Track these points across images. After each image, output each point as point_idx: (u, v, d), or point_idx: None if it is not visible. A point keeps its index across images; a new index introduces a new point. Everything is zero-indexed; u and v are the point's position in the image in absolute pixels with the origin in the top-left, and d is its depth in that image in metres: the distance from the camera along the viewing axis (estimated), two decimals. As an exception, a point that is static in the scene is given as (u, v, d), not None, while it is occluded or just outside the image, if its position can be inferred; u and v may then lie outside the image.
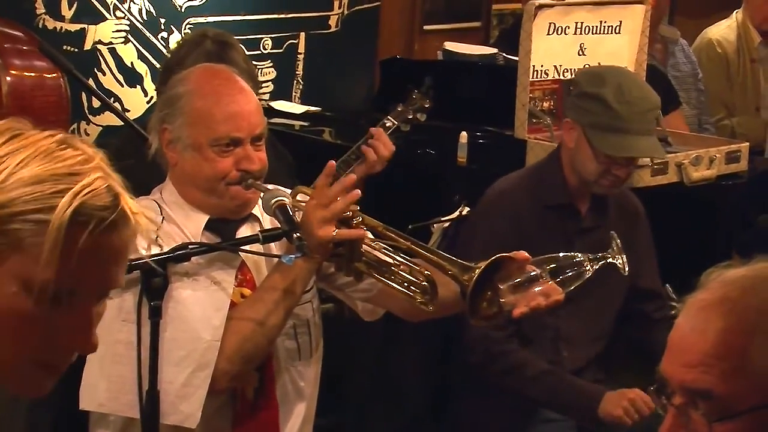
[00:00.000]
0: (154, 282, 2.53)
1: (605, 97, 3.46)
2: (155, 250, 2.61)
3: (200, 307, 2.67)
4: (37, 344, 1.48)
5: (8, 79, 3.62)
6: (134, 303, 2.56)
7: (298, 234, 2.56)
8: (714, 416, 1.62)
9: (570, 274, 2.63)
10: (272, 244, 2.79)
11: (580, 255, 2.65)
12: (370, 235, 2.69)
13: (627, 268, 2.79)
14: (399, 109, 3.95)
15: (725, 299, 1.66)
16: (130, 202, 1.48)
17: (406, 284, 2.69)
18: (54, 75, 3.74)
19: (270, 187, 2.73)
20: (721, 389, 1.61)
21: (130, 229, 1.48)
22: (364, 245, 2.68)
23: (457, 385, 3.71)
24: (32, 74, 3.73)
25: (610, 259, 2.73)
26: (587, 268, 2.64)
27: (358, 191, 2.66)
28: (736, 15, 6.01)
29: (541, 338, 3.55)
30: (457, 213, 4.02)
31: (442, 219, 4.01)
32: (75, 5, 4.59)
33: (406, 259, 2.67)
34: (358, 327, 3.19)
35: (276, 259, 2.74)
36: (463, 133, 4.41)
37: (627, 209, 3.70)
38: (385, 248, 2.69)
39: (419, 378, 4.01)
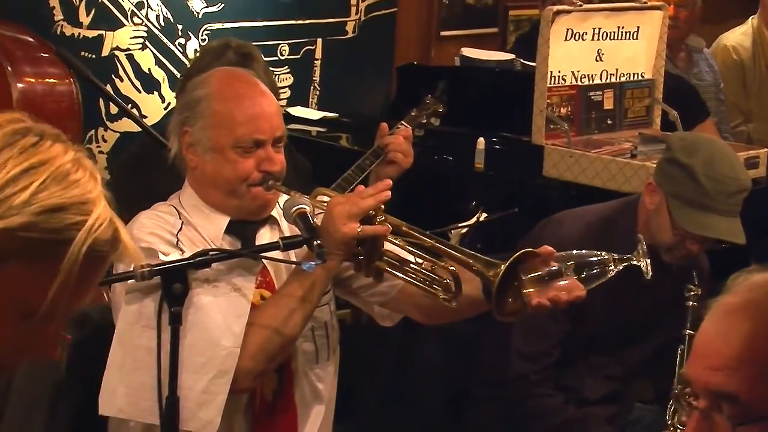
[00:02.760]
0: (175, 288, 2.53)
1: (694, 169, 3.30)
2: (176, 255, 2.62)
3: (220, 313, 2.67)
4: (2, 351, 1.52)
5: (19, 86, 3.63)
6: (155, 309, 2.56)
7: (318, 241, 2.56)
8: (738, 420, 1.61)
9: (593, 272, 2.61)
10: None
11: (604, 254, 2.63)
12: (393, 232, 2.69)
13: (650, 272, 2.75)
14: (413, 114, 3.94)
15: (751, 303, 1.65)
16: (123, 231, 1.53)
17: (428, 282, 2.70)
18: (65, 81, 3.75)
19: (291, 191, 2.74)
20: (745, 393, 1.60)
21: (120, 259, 1.55)
22: (385, 243, 2.69)
23: (476, 392, 3.71)
24: (43, 81, 3.74)
25: (634, 261, 2.69)
26: (610, 267, 2.63)
27: (389, 193, 2.68)
28: (752, 21, 6.01)
29: (567, 364, 3.52)
30: (474, 219, 4.01)
31: (460, 225, 4.00)
32: (93, 12, 4.60)
33: (428, 256, 2.67)
34: (376, 333, 3.19)
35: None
36: (481, 139, 4.41)
37: (690, 268, 3.50)
38: (406, 246, 2.69)
39: (437, 384, 4.00)
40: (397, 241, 2.70)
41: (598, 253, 2.63)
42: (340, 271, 2.81)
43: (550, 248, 2.58)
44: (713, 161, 3.32)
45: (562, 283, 2.58)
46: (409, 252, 2.71)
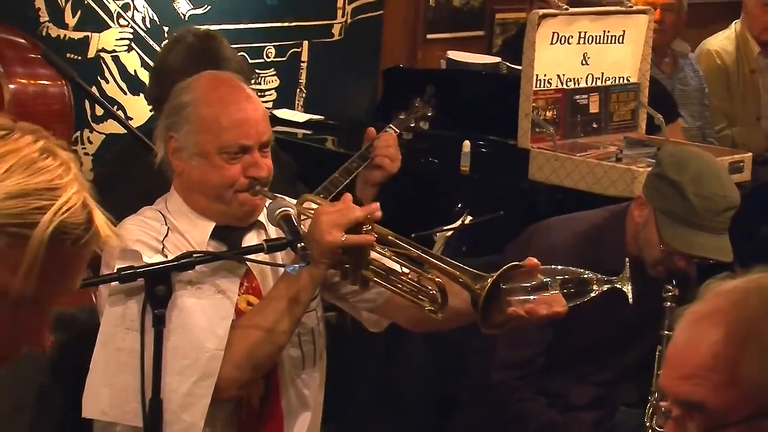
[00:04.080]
0: (158, 290, 2.53)
1: (683, 187, 3.28)
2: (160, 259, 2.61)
3: (204, 315, 2.67)
4: None
5: (11, 87, 3.62)
6: (138, 311, 2.56)
7: (302, 244, 2.56)
8: (707, 428, 1.64)
9: (575, 290, 2.60)
10: (278, 253, 2.80)
11: (588, 273, 2.62)
12: (380, 242, 2.69)
13: (631, 297, 2.69)
14: (401, 117, 3.93)
15: (717, 311, 1.68)
16: (100, 217, 1.55)
17: (414, 292, 2.69)
18: (58, 83, 3.74)
19: (277, 197, 2.74)
20: (713, 401, 1.63)
21: (98, 243, 1.55)
22: (372, 252, 2.68)
23: (462, 396, 3.71)
24: (35, 82, 3.73)
25: (618, 284, 2.66)
26: (593, 287, 2.61)
27: (378, 204, 2.70)
28: (735, 26, 6.04)
29: (554, 370, 3.52)
30: (459, 222, 4.01)
31: (445, 228, 4.00)
32: (78, 13, 4.59)
33: (415, 267, 2.67)
34: (362, 336, 3.18)
35: (283, 270, 2.74)
36: (466, 142, 4.41)
37: (676, 279, 3.45)
38: (393, 256, 2.69)
39: (424, 388, 4.00)
40: (384, 251, 2.69)
41: (584, 271, 2.61)
42: (328, 276, 2.81)
43: (536, 261, 2.58)
44: (702, 178, 3.30)
45: (544, 295, 2.57)
46: (396, 262, 2.70)
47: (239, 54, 3.84)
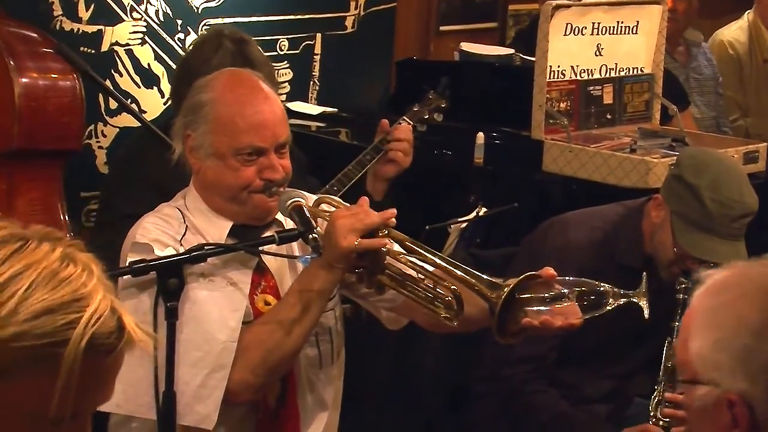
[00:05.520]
0: (170, 283, 2.53)
1: (700, 191, 3.26)
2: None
3: (216, 308, 2.67)
4: None
5: (22, 80, 3.63)
6: (150, 304, 2.56)
7: (314, 234, 2.55)
8: (675, 378, 1.91)
9: (591, 302, 2.58)
10: (294, 247, 2.79)
11: (605, 285, 2.59)
12: (396, 247, 2.66)
13: (647, 312, 2.65)
14: (415, 109, 3.93)
15: (722, 281, 1.82)
16: (130, 321, 1.49)
17: (429, 299, 2.66)
18: (69, 77, 3.74)
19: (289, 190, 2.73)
20: (677, 355, 1.84)
21: (132, 348, 1.50)
22: (388, 257, 2.66)
23: (476, 387, 3.70)
24: (46, 76, 3.73)
25: (634, 299, 2.63)
26: (609, 301, 2.59)
27: (395, 210, 2.65)
28: (747, 16, 6.03)
29: (569, 364, 3.51)
30: (474, 213, 4.01)
31: (459, 220, 4.00)
32: (92, 7, 4.59)
33: (431, 273, 2.65)
34: (375, 328, 3.18)
35: (301, 269, 2.73)
36: (480, 134, 4.40)
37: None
38: (410, 261, 2.66)
39: (437, 379, 4.00)
40: (399, 256, 2.67)
41: (599, 284, 2.59)
42: (347, 276, 2.76)
43: (552, 271, 2.56)
44: (720, 183, 3.28)
45: (560, 306, 2.56)
46: (412, 268, 2.67)
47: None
